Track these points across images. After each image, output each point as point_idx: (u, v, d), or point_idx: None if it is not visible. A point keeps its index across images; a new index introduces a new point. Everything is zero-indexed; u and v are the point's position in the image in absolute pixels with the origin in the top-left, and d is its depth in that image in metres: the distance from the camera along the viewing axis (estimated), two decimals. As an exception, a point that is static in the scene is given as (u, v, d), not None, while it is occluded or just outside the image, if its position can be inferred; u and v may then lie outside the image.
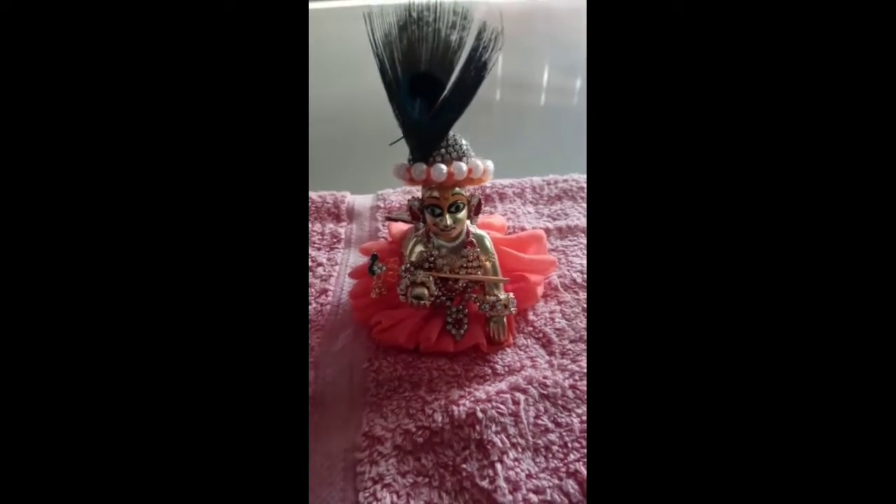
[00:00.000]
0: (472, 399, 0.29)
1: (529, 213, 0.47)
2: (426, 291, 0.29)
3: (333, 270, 0.40)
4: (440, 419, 0.28)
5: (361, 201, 0.48)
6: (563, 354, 0.32)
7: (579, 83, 0.83)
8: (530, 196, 0.49)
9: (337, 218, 0.47)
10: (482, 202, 0.31)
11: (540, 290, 0.37)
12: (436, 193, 0.29)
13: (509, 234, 0.40)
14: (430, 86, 0.26)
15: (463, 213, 0.30)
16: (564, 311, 0.36)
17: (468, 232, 0.31)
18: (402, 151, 0.30)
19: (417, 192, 0.31)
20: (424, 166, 0.27)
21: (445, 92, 0.26)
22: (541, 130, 0.70)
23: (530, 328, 0.34)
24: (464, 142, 0.29)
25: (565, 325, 0.34)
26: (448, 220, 0.29)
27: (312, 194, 0.48)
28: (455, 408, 0.28)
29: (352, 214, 0.47)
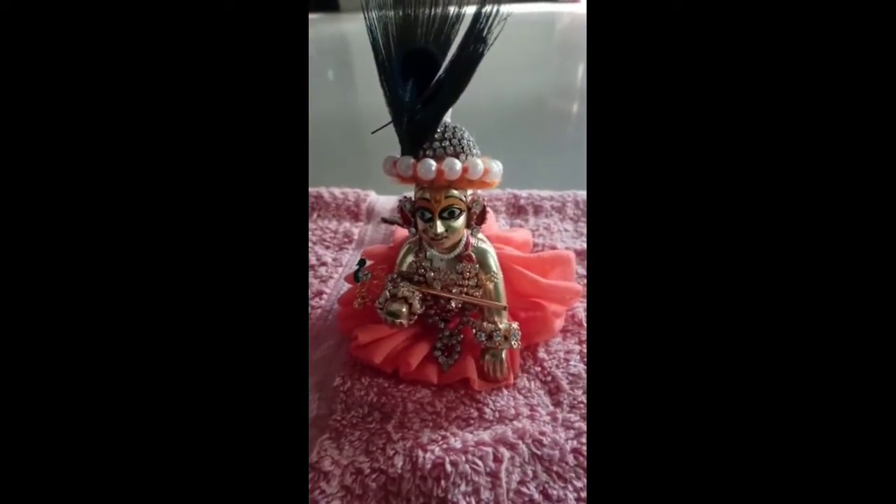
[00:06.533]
0: (445, 446, 0.24)
1: (566, 230, 0.40)
2: (404, 309, 0.25)
3: (335, 272, 0.37)
4: (400, 464, 0.23)
5: (384, 202, 0.45)
6: (571, 408, 0.26)
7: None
8: (571, 212, 0.42)
9: (355, 217, 0.44)
10: (486, 210, 0.26)
11: (559, 324, 0.31)
12: (427, 195, 0.24)
13: (533, 252, 0.35)
14: (425, 65, 0.22)
15: (459, 222, 0.25)
16: (585, 354, 0.29)
17: (468, 244, 0.26)
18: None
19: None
20: (412, 160, 0.23)
21: (440, 72, 0.22)
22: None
23: (538, 368, 0.29)
24: (466, 136, 0.24)
25: (582, 371, 0.28)
26: (439, 226, 0.24)
27: (335, 189, 0.46)
28: (421, 453, 0.23)
29: (370, 214, 0.44)
